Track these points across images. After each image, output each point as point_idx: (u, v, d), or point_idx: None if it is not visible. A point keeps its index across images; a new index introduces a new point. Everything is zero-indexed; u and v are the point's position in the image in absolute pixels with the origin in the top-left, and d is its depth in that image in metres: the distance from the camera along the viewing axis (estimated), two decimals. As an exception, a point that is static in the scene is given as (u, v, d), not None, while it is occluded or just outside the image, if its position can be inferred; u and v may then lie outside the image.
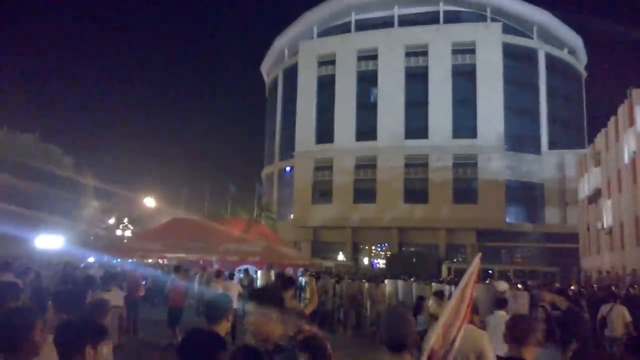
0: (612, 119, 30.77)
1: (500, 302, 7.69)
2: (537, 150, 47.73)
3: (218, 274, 14.96)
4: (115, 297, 9.58)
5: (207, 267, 22.45)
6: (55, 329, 2.69)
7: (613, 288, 16.79)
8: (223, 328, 3.53)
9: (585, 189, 37.32)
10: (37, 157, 35.64)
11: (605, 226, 31.76)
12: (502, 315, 7.05)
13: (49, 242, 30.95)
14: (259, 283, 20.85)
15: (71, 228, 36.06)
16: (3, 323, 2.76)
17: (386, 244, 47.37)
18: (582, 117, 53.99)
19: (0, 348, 2.69)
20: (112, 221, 42.86)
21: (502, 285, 11.30)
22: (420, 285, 17.37)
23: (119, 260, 24.61)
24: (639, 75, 56.71)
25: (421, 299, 10.07)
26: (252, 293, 4.44)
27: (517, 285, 17.85)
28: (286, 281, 6.96)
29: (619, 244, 29.44)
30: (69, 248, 29.99)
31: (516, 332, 3.47)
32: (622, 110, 28.81)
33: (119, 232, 42.02)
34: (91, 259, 25.81)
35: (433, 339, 3.30)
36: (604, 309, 10.86)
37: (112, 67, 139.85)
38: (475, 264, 4.02)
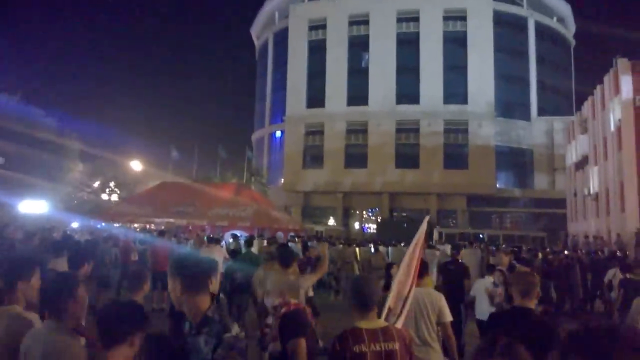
0: (599, 87, 31.08)
1: (490, 268, 8.52)
2: (526, 116, 48.09)
3: (209, 240, 14.99)
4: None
5: (198, 231, 22.42)
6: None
7: (618, 253, 17.38)
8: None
9: (572, 155, 37.74)
10: (18, 119, 34.77)
11: (591, 192, 32.31)
12: (489, 280, 7.85)
13: (33, 206, 30.52)
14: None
15: (55, 192, 35.44)
16: (49, 287, 2.97)
17: (377, 209, 47.87)
18: (571, 84, 54.34)
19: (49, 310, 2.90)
20: (97, 185, 42.26)
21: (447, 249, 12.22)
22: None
23: (103, 224, 24.31)
24: (626, 44, 56.55)
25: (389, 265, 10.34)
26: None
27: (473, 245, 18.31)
28: (288, 257, 5.85)
29: (604, 210, 30.05)
30: (53, 213, 29.51)
31: (521, 286, 3.86)
32: (608, 79, 29.10)
33: (104, 197, 41.60)
34: (75, 224, 25.52)
35: (390, 298, 3.88)
36: (609, 273, 11.20)
37: (99, 27, 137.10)
38: (423, 227, 4.48)
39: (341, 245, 18.62)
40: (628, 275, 9.06)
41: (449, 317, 4.66)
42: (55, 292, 2.88)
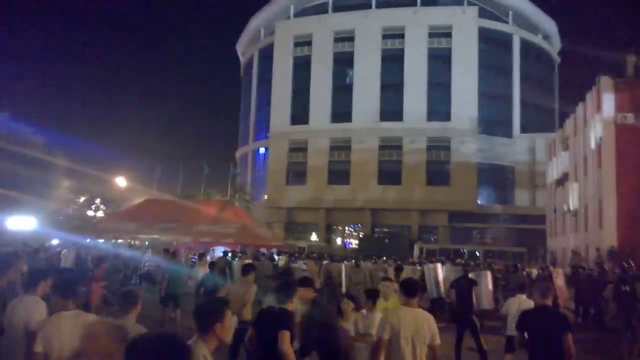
0: (581, 105, 31.19)
1: (522, 287, 9.24)
2: (509, 133, 48.61)
3: (200, 257, 15.06)
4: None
5: (184, 249, 22.31)
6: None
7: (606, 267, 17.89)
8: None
9: (553, 172, 38.05)
10: (6, 136, 34.78)
11: (571, 208, 32.52)
12: (524, 299, 8.10)
13: (21, 223, 30.30)
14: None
15: (42, 209, 35.38)
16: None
17: (359, 225, 47.91)
18: (554, 102, 55.05)
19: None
20: (82, 201, 42.10)
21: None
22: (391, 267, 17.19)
23: (88, 240, 24.16)
24: (610, 62, 57.83)
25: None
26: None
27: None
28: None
29: (583, 226, 30.24)
30: (40, 229, 29.35)
31: (540, 290, 5.36)
32: (590, 96, 29.17)
33: (90, 213, 41.41)
34: (55, 241, 25.20)
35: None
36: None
37: (85, 45, 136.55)
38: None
39: (332, 262, 18.72)
40: None
41: (439, 340, 4.80)
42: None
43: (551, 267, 18.91)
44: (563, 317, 5.27)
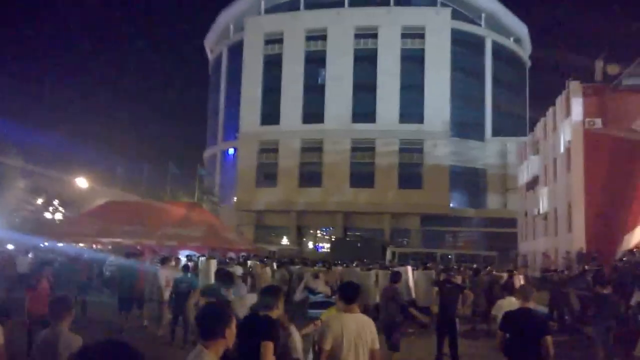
0: (551, 109, 31.63)
1: (511, 289, 10.05)
2: (481, 137, 48.86)
3: (164, 261, 14.43)
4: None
5: (149, 252, 21.49)
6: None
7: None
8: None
9: (524, 175, 38.48)
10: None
11: (541, 212, 32.92)
12: (513, 302, 8.15)
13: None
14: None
15: None
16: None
17: (331, 228, 47.47)
18: (525, 105, 55.74)
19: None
20: (40, 202, 40.56)
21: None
22: (363, 272, 17.06)
23: (46, 244, 23.34)
24: (579, 66, 58.70)
25: None
26: None
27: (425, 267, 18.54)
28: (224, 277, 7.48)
29: (553, 229, 30.59)
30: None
31: (523, 294, 5.87)
32: (559, 100, 29.53)
33: (48, 215, 39.90)
34: (10, 246, 24.15)
35: None
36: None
37: (44, 38, 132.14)
38: None
39: (298, 266, 18.73)
40: None
41: (378, 345, 4.77)
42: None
43: (515, 271, 18.94)
44: (543, 320, 5.77)
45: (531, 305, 5.74)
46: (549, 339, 5.15)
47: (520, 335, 5.38)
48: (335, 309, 5.43)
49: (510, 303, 8.07)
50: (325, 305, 9.97)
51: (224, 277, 7.55)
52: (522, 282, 14.71)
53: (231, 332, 3.02)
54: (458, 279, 13.89)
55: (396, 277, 9.97)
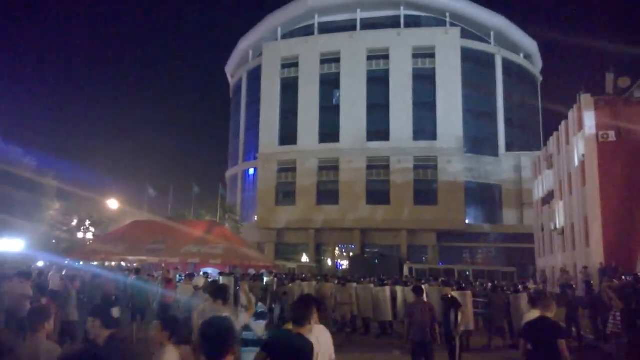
0: (563, 123, 31.38)
1: (534, 302, 9.54)
2: (494, 152, 49.08)
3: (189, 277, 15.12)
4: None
5: (169, 269, 22.25)
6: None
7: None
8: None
9: (539, 190, 38.27)
10: (-2, 158, 34.96)
11: (557, 227, 32.60)
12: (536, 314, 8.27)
13: (10, 245, 30.23)
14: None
15: (32, 231, 35.34)
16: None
17: (349, 245, 47.89)
18: (538, 120, 55.92)
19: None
20: (74, 223, 42.04)
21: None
22: (377, 288, 17.01)
23: (81, 263, 24.24)
24: (590, 79, 58.83)
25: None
26: None
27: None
28: (216, 291, 6.83)
29: (570, 244, 30.23)
30: (29, 251, 29.33)
31: (543, 304, 6.10)
32: (572, 114, 29.37)
33: (80, 235, 41.26)
34: (40, 263, 25.12)
35: None
36: None
37: (76, 67, 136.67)
38: None
39: (315, 282, 18.58)
40: None
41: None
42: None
43: (527, 285, 19.00)
44: (558, 326, 6.05)
45: (549, 315, 6.00)
46: (563, 342, 5.51)
47: (539, 342, 5.75)
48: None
49: (535, 315, 8.36)
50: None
51: (217, 290, 7.03)
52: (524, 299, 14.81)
53: (238, 347, 3.03)
54: (468, 296, 13.73)
55: (420, 290, 10.06)
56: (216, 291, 6.91)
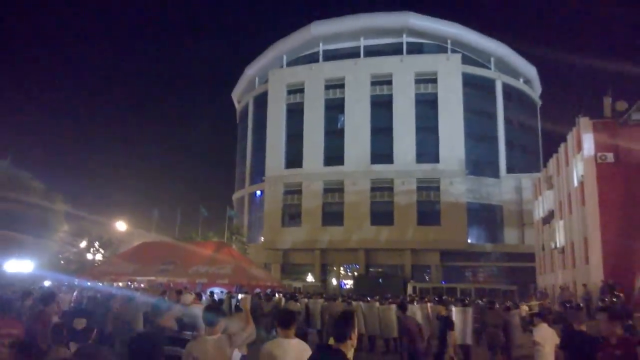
0: (562, 145, 32.10)
1: (543, 316, 9.92)
2: (496, 174, 49.94)
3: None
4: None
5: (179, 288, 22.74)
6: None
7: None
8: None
9: (540, 210, 38.82)
10: (7, 183, 35.81)
11: (558, 246, 33.06)
12: (545, 327, 8.79)
13: (19, 266, 30.89)
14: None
15: (41, 252, 36.03)
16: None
17: (354, 265, 48.53)
18: (538, 142, 56.87)
19: None
20: (83, 245, 42.81)
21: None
22: (383, 306, 17.40)
23: (89, 283, 24.66)
24: (588, 103, 59.79)
25: None
26: None
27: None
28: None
29: (570, 263, 30.67)
30: (38, 272, 29.93)
31: (577, 319, 7.15)
32: (571, 137, 30.02)
33: (89, 256, 41.99)
34: (47, 283, 25.65)
35: None
36: None
37: (84, 94, 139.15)
38: None
39: (322, 300, 19.02)
40: None
41: None
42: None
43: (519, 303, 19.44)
44: (596, 340, 6.33)
45: (583, 328, 6.84)
46: (599, 354, 5.77)
47: (578, 353, 6.53)
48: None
49: (543, 327, 8.61)
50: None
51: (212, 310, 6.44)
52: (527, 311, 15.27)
53: None
54: (469, 312, 14.32)
55: (403, 307, 10.79)
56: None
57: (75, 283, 24.86)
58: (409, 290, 35.94)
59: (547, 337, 8.36)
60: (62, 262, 39.06)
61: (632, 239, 23.64)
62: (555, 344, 8.29)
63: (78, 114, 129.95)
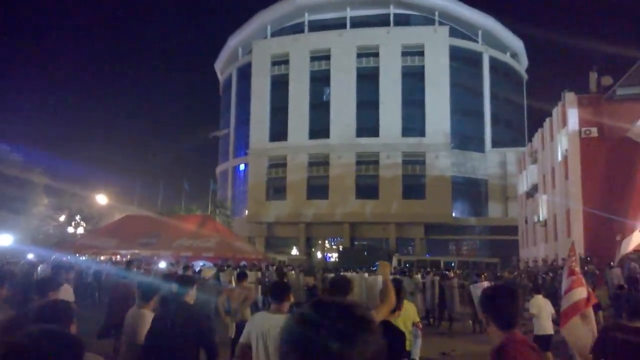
0: (548, 119, 32.40)
1: (538, 288, 10.45)
2: (481, 148, 50.20)
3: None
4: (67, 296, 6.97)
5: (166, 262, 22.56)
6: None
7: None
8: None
9: (524, 184, 39.25)
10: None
11: (540, 219, 33.59)
12: (540, 299, 9.26)
13: (-2, 240, 30.32)
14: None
15: (21, 226, 35.48)
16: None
17: (339, 239, 48.71)
18: (523, 117, 57.04)
19: None
20: (63, 218, 42.24)
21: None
22: (371, 277, 18.27)
23: (68, 257, 24.35)
24: (574, 77, 60.03)
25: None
26: None
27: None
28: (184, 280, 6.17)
29: (553, 236, 31.30)
30: (17, 246, 29.39)
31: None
32: (556, 112, 30.30)
33: (70, 230, 41.46)
34: (30, 255, 25.27)
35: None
36: None
37: (63, 62, 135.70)
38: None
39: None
40: None
41: None
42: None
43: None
44: None
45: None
46: None
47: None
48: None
49: (538, 298, 9.09)
50: None
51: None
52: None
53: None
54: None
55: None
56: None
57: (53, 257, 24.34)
58: (394, 262, 36.19)
59: (542, 306, 8.93)
60: (41, 235, 38.51)
61: (614, 213, 23.88)
62: (551, 312, 8.94)
63: (58, 86, 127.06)
